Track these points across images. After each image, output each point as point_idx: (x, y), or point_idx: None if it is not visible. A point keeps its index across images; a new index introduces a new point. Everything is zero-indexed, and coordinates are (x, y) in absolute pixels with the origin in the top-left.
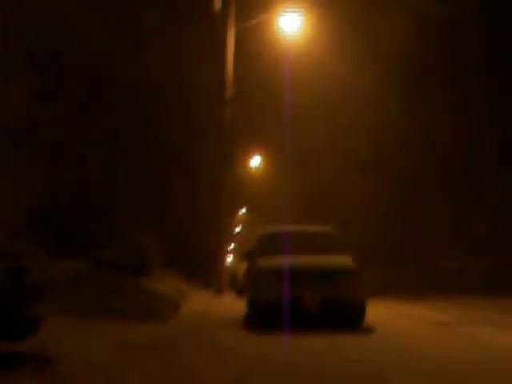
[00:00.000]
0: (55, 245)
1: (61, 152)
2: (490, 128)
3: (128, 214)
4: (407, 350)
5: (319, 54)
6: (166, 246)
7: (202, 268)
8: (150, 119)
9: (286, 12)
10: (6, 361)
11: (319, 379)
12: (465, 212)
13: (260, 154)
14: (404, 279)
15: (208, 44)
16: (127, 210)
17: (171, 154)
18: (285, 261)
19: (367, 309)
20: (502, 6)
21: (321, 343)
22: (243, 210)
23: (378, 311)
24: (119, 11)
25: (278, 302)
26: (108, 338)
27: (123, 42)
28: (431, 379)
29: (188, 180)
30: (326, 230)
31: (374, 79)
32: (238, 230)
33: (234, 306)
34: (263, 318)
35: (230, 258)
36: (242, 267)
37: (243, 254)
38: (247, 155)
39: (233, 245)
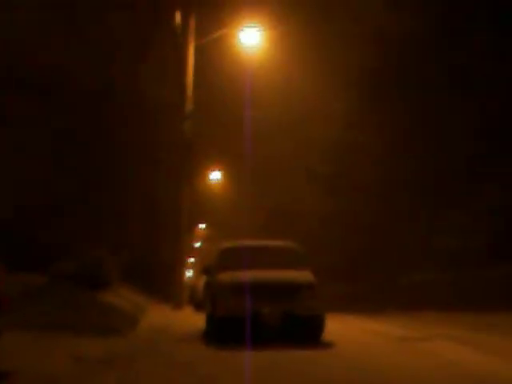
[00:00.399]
0: (14, 258)
1: (22, 165)
2: (456, 142)
3: (87, 227)
4: (365, 365)
5: (279, 68)
6: (125, 259)
7: (161, 282)
8: (111, 132)
9: (246, 27)
10: None
11: None
12: (427, 227)
13: (220, 169)
14: (365, 294)
15: (169, 59)
16: (86, 224)
17: (130, 167)
18: (244, 275)
19: (328, 323)
20: (462, 21)
21: (279, 359)
22: (203, 225)
23: (338, 326)
24: (82, 22)
25: (237, 317)
26: (64, 353)
27: (86, 54)
28: None
29: (147, 194)
30: (285, 245)
31: (335, 93)
32: (197, 244)
33: (193, 320)
34: (222, 332)
35: (189, 273)
36: (202, 282)
37: (203, 269)
38: (207, 170)
39: (192, 259)
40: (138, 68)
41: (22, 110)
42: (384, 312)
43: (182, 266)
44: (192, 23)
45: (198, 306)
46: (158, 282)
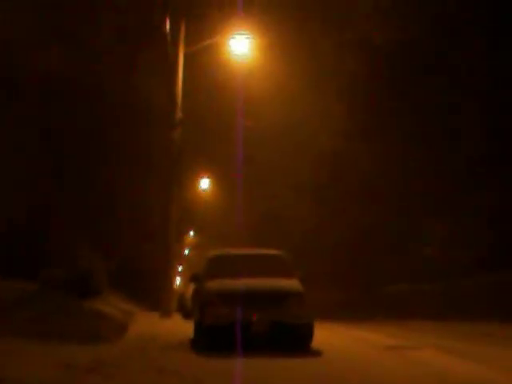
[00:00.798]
0: (5, 264)
1: (8, 172)
2: (445, 153)
3: (76, 234)
4: (355, 375)
5: (269, 76)
6: (114, 267)
7: (149, 290)
8: (102, 137)
9: (236, 35)
10: None
11: None
12: (415, 237)
13: (210, 177)
14: (354, 302)
15: (159, 66)
16: (75, 231)
17: (120, 174)
18: (233, 284)
19: (316, 331)
20: (448, 31)
21: (267, 367)
22: (192, 233)
23: (327, 334)
24: (73, 27)
25: (225, 325)
26: (51, 360)
27: (77, 58)
28: None
29: (136, 201)
30: (274, 254)
31: (325, 101)
32: (186, 252)
33: (182, 328)
34: (210, 340)
35: (178, 281)
36: (190, 290)
37: (191, 277)
38: (197, 177)
39: (181, 267)
40: (127, 75)
41: (10, 111)
42: (373, 320)
43: (171, 273)
44: (182, 31)
45: (186, 314)
46: (147, 289)
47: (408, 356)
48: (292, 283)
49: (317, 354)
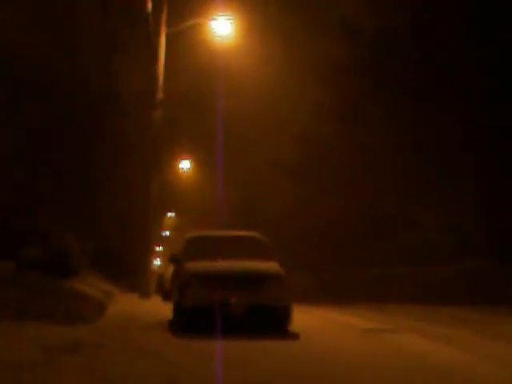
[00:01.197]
0: None
1: None
2: (427, 138)
3: (54, 214)
4: (333, 357)
5: (251, 58)
6: (93, 247)
7: (129, 270)
8: (83, 121)
9: (218, 16)
10: None
11: None
12: (395, 222)
13: (190, 158)
14: (332, 286)
15: (141, 47)
16: (54, 210)
17: (99, 156)
18: (212, 265)
19: (295, 314)
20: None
21: (245, 350)
22: (172, 214)
23: (305, 317)
24: (55, 11)
25: (204, 307)
26: (29, 340)
27: (58, 42)
28: None
29: (115, 182)
30: (253, 236)
31: (305, 83)
32: (166, 233)
33: (161, 309)
34: (189, 322)
35: (157, 262)
36: (169, 271)
37: (170, 258)
38: (177, 159)
39: (161, 248)
40: (109, 56)
41: None
42: (352, 304)
43: (150, 254)
44: (164, 11)
45: (165, 295)
46: (126, 270)
47: (386, 339)
48: (271, 265)
49: (295, 336)
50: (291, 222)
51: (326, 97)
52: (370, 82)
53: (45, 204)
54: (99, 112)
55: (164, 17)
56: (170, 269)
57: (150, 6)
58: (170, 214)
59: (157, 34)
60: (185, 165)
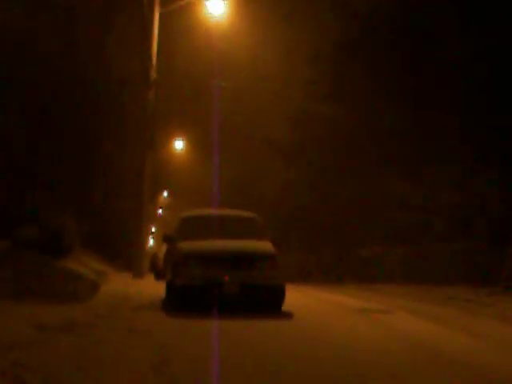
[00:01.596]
0: None
1: None
2: (417, 116)
3: (49, 193)
4: (327, 338)
5: (245, 37)
6: (87, 227)
7: (122, 250)
8: (75, 100)
9: None
10: None
11: (224, 367)
12: (385, 201)
13: (184, 139)
14: (325, 265)
15: (135, 27)
16: (48, 190)
17: (94, 136)
18: (205, 245)
19: (288, 293)
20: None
21: (238, 330)
22: (165, 194)
23: (298, 296)
24: None
25: (197, 286)
26: (23, 319)
27: (51, 23)
28: (341, 369)
29: (110, 162)
30: (246, 215)
31: (300, 63)
32: (160, 212)
33: (154, 288)
34: (182, 301)
35: (151, 241)
36: (163, 250)
37: (163, 237)
38: (171, 138)
39: (154, 228)
40: (102, 35)
41: None
42: (344, 283)
43: (144, 234)
44: None
45: (159, 274)
46: (120, 249)
47: (379, 319)
48: (264, 245)
49: (288, 316)
50: (285, 201)
51: (319, 76)
52: (363, 63)
53: (41, 185)
54: (94, 92)
55: None
56: (164, 248)
57: None
58: (164, 194)
59: (150, 14)
60: (179, 145)
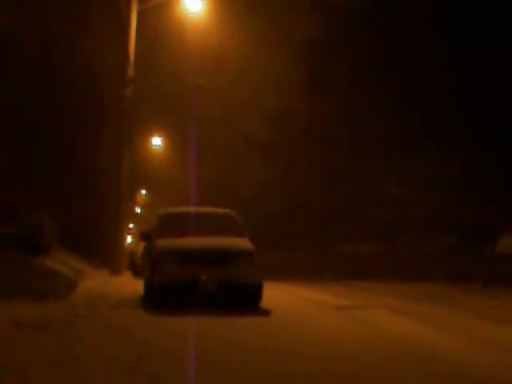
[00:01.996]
0: None
1: None
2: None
3: (25, 190)
4: (304, 336)
5: (223, 35)
6: (64, 224)
7: (100, 247)
8: (52, 95)
9: None
10: None
11: (200, 364)
12: (365, 198)
13: (163, 137)
14: (303, 263)
15: (112, 24)
16: (25, 187)
17: (70, 133)
18: (183, 242)
19: (266, 291)
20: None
21: (215, 327)
22: (143, 191)
23: (277, 294)
24: None
25: (175, 283)
26: (0, 317)
27: (28, 18)
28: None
29: (87, 158)
30: (224, 213)
31: (276, 60)
32: (138, 210)
33: (132, 286)
34: (160, 298)
35: (129, 239)
36: (141, 247)
37: (141, 235)
38: (149, 135)
39: (132, 225)
40: (79, 32)
41: None
42: (323, 281)
43: (122, 231)
44: None
45: (136, 272)
46: (98, 247)
47: (358, 316)
48: (242, 242)
49: (266, 313)
50: (264, 199)
51: (297, 73)
52: (342, 59)
53: (16, 181)
54: (70, 89)
55: None
56: (142, 246)
57: None
58: (142, 192)
59: (128, 11)
60: (157, 142)
